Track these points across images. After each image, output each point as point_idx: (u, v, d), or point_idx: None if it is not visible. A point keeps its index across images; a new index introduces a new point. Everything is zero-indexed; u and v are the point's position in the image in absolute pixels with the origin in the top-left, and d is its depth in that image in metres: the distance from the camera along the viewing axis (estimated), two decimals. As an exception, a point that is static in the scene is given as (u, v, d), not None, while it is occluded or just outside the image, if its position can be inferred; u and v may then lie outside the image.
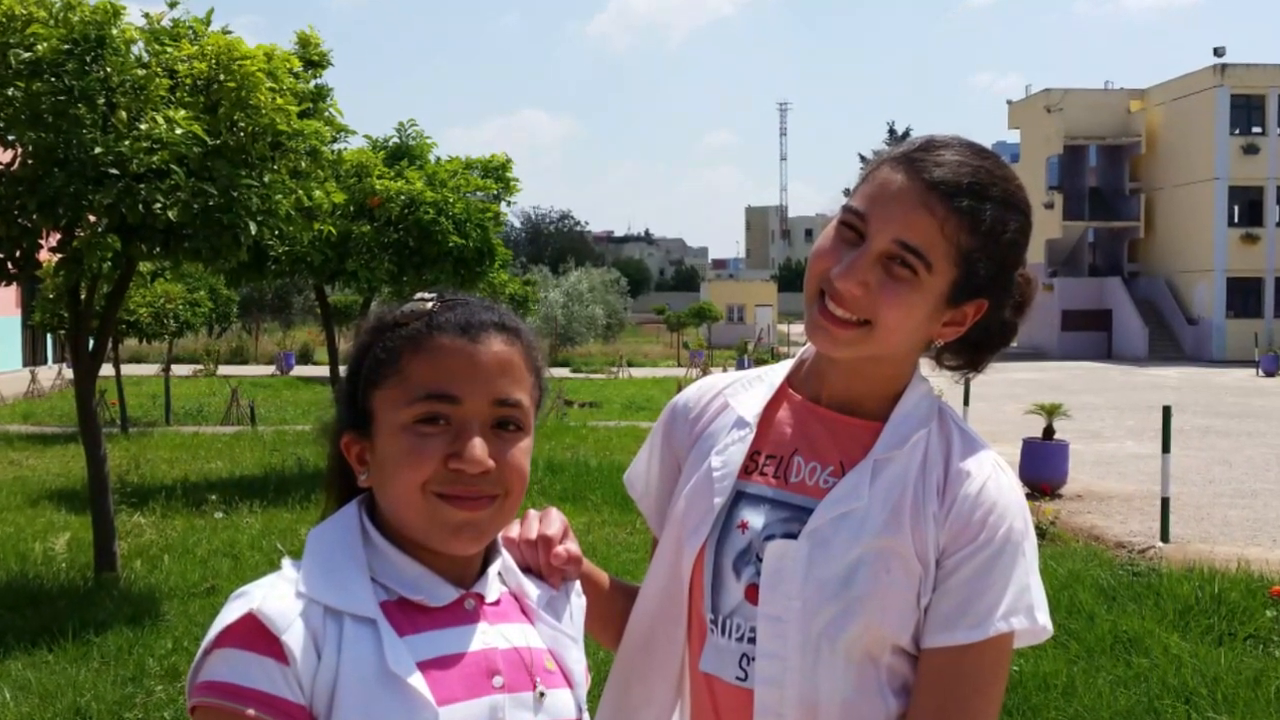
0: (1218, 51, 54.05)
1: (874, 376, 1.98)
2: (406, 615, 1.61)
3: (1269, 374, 42.86)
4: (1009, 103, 65.93)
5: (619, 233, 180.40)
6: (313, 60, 11.56)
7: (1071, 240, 61.43)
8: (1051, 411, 15.88)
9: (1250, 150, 52.87)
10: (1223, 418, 25.80)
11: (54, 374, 33.18)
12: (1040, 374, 40.63)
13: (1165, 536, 12.31)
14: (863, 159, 53.88)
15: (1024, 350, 57.53)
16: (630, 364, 46.91)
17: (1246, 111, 53.50)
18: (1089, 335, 58.30)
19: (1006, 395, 28.70)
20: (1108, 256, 61.51)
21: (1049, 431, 15.84)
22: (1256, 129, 53.40)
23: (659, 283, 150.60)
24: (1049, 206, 59.60)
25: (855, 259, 1.83)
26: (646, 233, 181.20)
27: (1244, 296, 53.80)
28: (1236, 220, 53.57)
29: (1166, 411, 12.75)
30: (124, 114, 8.54)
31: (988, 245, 1.85)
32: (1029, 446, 15.84)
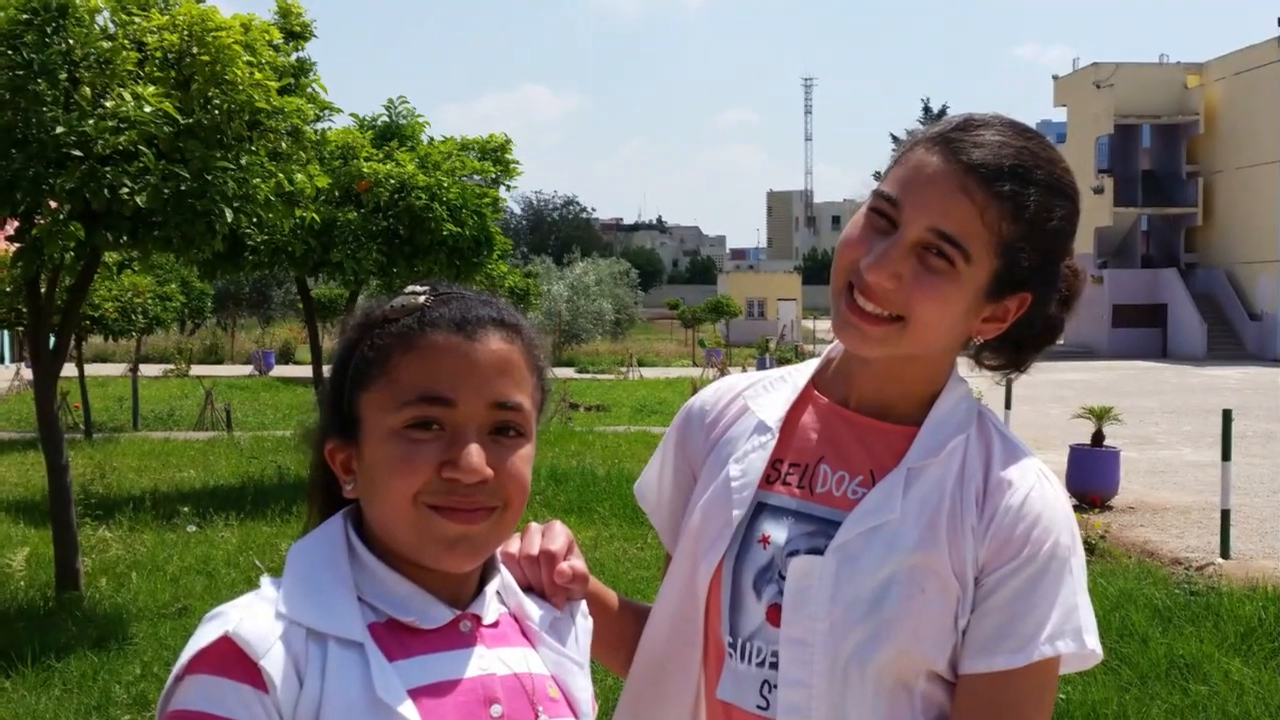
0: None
1: (907, 378, 1.98)
2: (396, 638, 1.61)
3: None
4: (1055, 78, 66.06)
5: (628, 220, 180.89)
6: (294, 31, 11.55)
7: (1123, 228, 61.58)
8: (1101, 416, 15.98)
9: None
10: (1290, 422, 25.77)
11: (11, 374, 33.30)
12: (1089, 374, 40.71)
13: (1226, 552, 12.36)
14: (895, 140, 54.79)
15: (1071, 349, 57.54)
16: (641, 363, 46.91)
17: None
18: (1142, 332, 58.44)
19: (1052, 398, 28.71)
20: (1163, 246, 61.62)
21: (1098, 437, 15.92)
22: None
23: (672, 275, 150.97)
24: (1098, 191, 59.73)
25: (887, 249, 1.82)
26: (659, 220, 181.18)
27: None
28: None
29: (1227, 415, 12.81)
30: (88, 90, 8.58)
31: (1031, 234, 1.85)
32: (1077, 454, 15.96)
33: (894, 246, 1.82)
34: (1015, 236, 1.84)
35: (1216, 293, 57.32)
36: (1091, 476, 15.73)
